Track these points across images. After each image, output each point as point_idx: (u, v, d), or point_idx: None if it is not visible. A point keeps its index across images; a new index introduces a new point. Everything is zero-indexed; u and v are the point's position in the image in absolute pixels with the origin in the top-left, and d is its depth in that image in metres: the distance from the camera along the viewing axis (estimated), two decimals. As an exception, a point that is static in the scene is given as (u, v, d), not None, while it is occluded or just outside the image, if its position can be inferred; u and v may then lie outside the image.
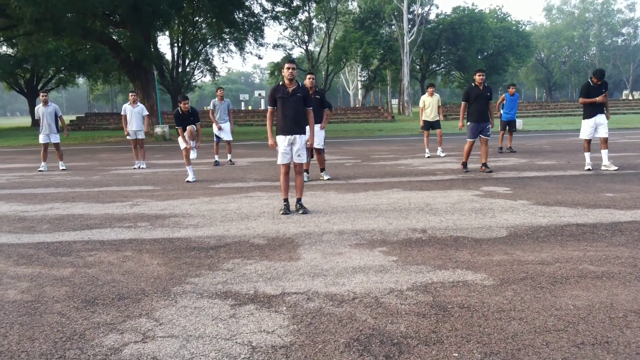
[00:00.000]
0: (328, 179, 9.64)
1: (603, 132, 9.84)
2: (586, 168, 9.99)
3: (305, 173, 9.65)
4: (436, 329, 3.18)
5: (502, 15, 61.46)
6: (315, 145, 9.55)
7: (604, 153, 10.05)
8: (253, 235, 5.59)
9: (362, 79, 58.03)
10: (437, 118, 13.57)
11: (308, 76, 9.55)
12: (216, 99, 13.40)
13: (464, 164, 10.30)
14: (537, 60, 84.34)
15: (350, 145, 18.76)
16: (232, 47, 40.03)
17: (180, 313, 3.51)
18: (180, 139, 9.91)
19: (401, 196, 7.71)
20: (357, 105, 64.06)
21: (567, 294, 3.68)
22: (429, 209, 6.70)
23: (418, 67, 59.12)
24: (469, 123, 10.08)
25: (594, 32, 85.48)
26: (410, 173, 10.36)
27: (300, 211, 6.64)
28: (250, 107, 62.29)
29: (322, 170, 9.91)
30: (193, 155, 10.00)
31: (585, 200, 6.99)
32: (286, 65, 6.51)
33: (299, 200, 6.78)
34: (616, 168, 9.92)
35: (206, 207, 7.22)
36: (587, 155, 10.12)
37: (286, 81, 6.53)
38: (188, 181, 9.76)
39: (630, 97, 75.53)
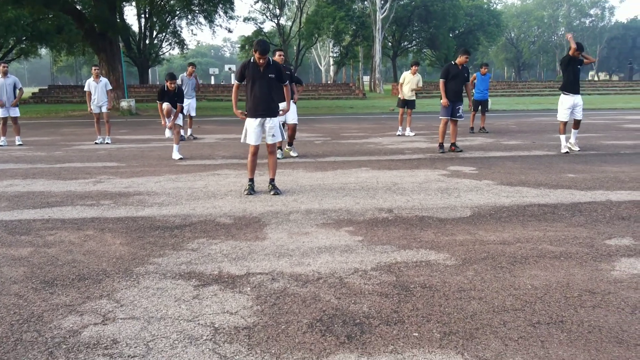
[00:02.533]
0: (296, 156, 9.62)
1: (578, 114, 9.83)
2: (563, 151, 9.95)
3: (291, 146, 9.65)
4: (398, 309, 3.22)
5: (474, -7, 61.57)
6: (290, 121, 9.51)
7: (574, 133, 10.18)
8: (219, 214, 5.54)
9: (334, 55, 57.61)
10: (414, 97, 13.61)
11: (278, 52, 9.41)
12: (185, 74, 13.26)
13: (441, 145, 10.25)
14: (507, 39, 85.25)
15: (321, 122, 18.69)
16: (201, 19, 39.18)
17: (142, 294, 3.47)
18: (163, 120, 9.77)
19: (369, 175, 7.74)
20: (328, 82, 63.72)
21: (525, 274, 3.78)
22: (396, 189, 6.75)
23: (390, 44, 58.99)
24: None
25: (563, 13, 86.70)
26: (380, 152, 10.41)
27: (272, 192, 6.50)
28: (223, 82, 61.28)
29: (290, 144, 9.87)
30: (168, 134, 9.76)
31: (548, 181, 7.16)
32: (257, 55, 6.17)
33: (272, 180, 6.65)
34: (578, 149, 10.15)
35: (172, 185, 7.11)
36: (562, 137, 10.08)
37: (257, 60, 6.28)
38: (181, 158, 9.57)
39: (596, 78, 77.24)
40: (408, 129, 13.74)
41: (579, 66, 9.66)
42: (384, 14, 45.57)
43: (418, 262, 4.05)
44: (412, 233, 4.80)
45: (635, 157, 9.43)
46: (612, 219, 5.20)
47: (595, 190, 6.53)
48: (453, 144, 10.27)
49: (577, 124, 10.04)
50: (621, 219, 5.22)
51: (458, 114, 10.08)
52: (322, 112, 25.00)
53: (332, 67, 63.04)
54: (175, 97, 9.70)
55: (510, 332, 2.92)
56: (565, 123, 9.96)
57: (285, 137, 9.02)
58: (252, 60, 6.33)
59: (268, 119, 6.46)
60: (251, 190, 6.51)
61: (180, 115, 9.81)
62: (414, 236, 4.71)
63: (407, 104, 13.56)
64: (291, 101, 9.44)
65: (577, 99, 9.72)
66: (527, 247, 4.38)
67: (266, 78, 6.30)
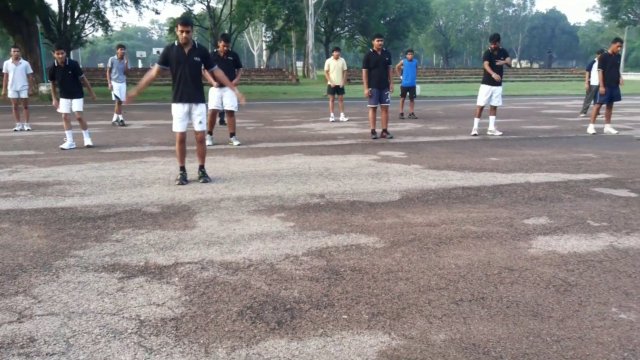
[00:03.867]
0: (238, 145, 9.38)
1: (496, 101, 10.42)
2: (472, 133, 10.61)
3: (208, 135, 9.35)
4: (328, 293, 3.26)
5: (403, -20, 62.61)
6: (229, 107, 9.23)
7: (492, 119, 10.74)
8: (146, 203, 5.36)
9: (267, 40, 56.99)
10: (341, 83, 13.68)
11: (220, 44, 9.11)
12: (115, 57, 12.65)
13: (373, 132, 10.37)
14: (435, 27, 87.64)
15: (254, 108, 18.46)
16: (126, 0, 37.40)
17: (62, 289, 3.30)
18: (54, 101, 9.08)
19: (302, 161, 7.75)
20: (261, 67, 63.05)
21: (450, 254, 3.92)
22: (328, 174, 6.80)
23: (323, 29, 59.05)
24: (369, 89, 10.20)
25: (488, 2, 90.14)
26: (312, 137, 10.43)
27: (202, 180, 6.34)
28: (138, 65, 58.88)
29: (232, 135, 9.60)
30: (79, 107, 9.04)
31: (472, 165, 7.45)
32: (179, 28, 5.92)
33: (201, 167, 6.48)
34: (500, 133, 10.66)
35: (95, 174, 6.80)
36: (476, 121, 10.72)
37: (181, 43, 6.04)
38: (62, 148, 8.85)
39: (518, 66, 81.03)
40: (342, 114, 13.85)
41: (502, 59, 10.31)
42: (316, -1, 45.46)
43: (348, 246, 4.11)
44: (343, 218, 4.86)
45: (552, 140, 10.00)
46: (530, 200, 5.50)
47: (515, 173, 6.87)
48: (384, 130, 10.46)
49: (494, 110, 10.62)
50: (538, 199, 5.53)
51: (387, 100, 10.23)
52: (255, 97, 24.71)
53: (264, 52, 62.38)
54: (70, 71, 8.86)
55: (435, 310, 3.03)
56: (481, 108, 10.54)
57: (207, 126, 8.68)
58: (176, 44, 6.09)
59: (194, 104, 6.24)
60: (183, 180, 6.27)
61: (81, 101, 9.09)
62: (345, 221, 4.77)
63: (337, 90, 13.64)
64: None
65: (495, 88, 10.32)
66: (452, 228, 4.55)
67: (191, 62, 6.06)
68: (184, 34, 5.93)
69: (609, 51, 10.71)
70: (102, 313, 2.98)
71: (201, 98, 6.30)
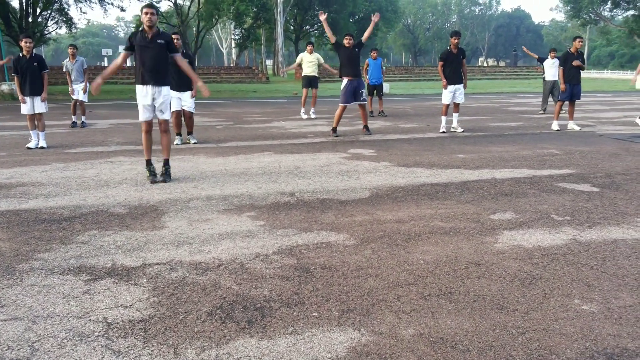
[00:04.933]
0: (195, 143, 9.31)
1: (459, 98, 10.67)
2: (441, 131, 10.78)
3: (177, 136, 9.29)
4: (298, 291, 3.26)
5: (372, -21, 62.96)
6: (187, 108, 9.11)
7: (455, 116, 10.94)
8: (113, 204, 5.26)
9: (236, 38, 56.50)
10: (315, 74, 13.66)
11: (173, 36, 9.00)
12: (67, 60, 12.12)
13: (334, 130, 10.35)
14: (404, 25, 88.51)
15: (223, 107, 18.33)
16: (91, -4, 36.51)
17: (26, 292, 3.22)
18: (19, 95, 8.69)
19: (272, 159, 7.73)
20: (231, 65, 62.53)
21: (418, 250, 3.98)
22: (298, 172, 6.80)
23: (292, 27, 58.95)
24: (343, 79, 10.07)
25: (455, 1, 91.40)
26: (282, 136, 10.41)
27: (162, 178, 6.25)
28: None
29: (190, 133, 9.51)
30: (42, 109, 8.81)
31: (440, 161, 7.56)
32: (144, 10, 5.98)
33: (166, 162, 6.40)
34: (462, 130, 10.87)
35: (60, 175, 6.64)
36: (443, 119, 10.90)
37: (146, 28, 6.03)
38: (29, 147, 8.72)
39: (485, 64, 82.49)
40: (312, 110, 13.85)
41: (461, 58, 10.61)
42: (285, -4, 45.32)
43: (318, 243, 4.12)
44: (314, 216, 4.87)
45: (518, 137, 10.22)
46: (496, 196, 5.61)
47: (482, 169, 7.00)
48: (365, 127, 10.60)
49: (457, 107, 10.87)
50: (504, 195, 5.65)
51: (362, 98, 10.22)
52: (225, 96, 24.52)
53: (234, 50, 61.86)
54: (35, 63, 8.63)
55: (404, 305, 3.06)
56: (447, 106, 10.74)
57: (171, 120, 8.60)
58: (140, 29, 6.11)
59: (158, 88, 6.17)
60: (153, 176, 6.28)
61: (44, 104, 8.82)
62: (315, 219, 4.78)
63: (311, 82, 13.59)
64: (189, 93, 9.06)
65: (458, 86, 10.59)
66: (420, 224, 4.61)
67: (155, 46, 6.06)
68: (148, 15, 5.96)
69: (571, 50, 10.98)
70: (68, 316, 2.92)
71: (165, 81, 6.27)
